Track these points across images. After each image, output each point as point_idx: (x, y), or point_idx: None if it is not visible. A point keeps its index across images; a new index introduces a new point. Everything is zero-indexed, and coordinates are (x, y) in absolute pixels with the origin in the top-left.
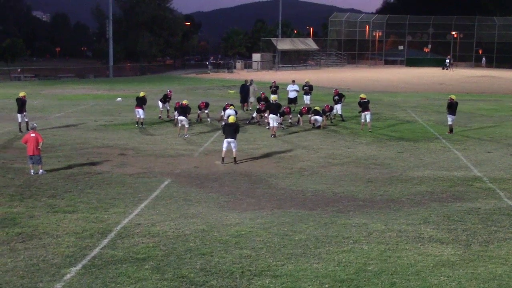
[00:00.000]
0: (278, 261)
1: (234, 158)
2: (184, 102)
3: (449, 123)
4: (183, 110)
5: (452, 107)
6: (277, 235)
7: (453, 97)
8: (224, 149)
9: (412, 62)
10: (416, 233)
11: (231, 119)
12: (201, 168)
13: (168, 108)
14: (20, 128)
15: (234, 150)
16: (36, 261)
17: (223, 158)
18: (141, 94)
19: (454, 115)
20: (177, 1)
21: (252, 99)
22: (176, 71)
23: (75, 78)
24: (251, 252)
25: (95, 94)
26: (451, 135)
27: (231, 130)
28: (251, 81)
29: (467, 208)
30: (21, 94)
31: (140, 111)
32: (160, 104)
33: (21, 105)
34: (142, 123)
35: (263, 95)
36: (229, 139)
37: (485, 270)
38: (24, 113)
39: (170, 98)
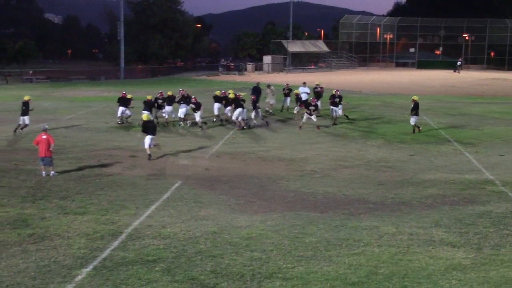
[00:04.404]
0: (288, 264)
1: (156, 145)
2: (169, 93)
3: (413, 123)
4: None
5: (415, 108)
6: (287, 237)
7: (415, 98)
8: (147, 146)
9: (423, 64)
10: (428, 236)
11: (146, 117)
12: (212, 170)
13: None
14: (16, 129)
15: (152, 146)
16: (47, 262)
17: (149, 155)
18: (148, 97)
19: (418, 115)
20: (188, 3)
21: (272, 101)
22: (187, 73)
23: (86, 80)
24: (261, 255)
25: (106, 96)
26: (419, 134)
27: (151, 127)
28: (269, 84)
29: (479, 212)
30: (26, 97)
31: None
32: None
33: (25, 108)
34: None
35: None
36: (152, 136)
37: (497, 274)
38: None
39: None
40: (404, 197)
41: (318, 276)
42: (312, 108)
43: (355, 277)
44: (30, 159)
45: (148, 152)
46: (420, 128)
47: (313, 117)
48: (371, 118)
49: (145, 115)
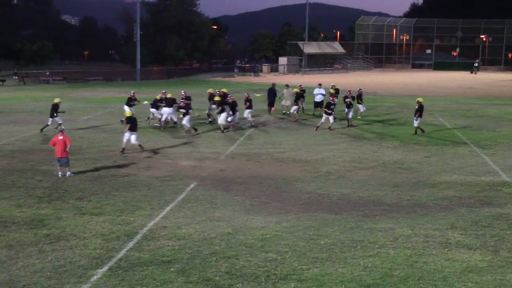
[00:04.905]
0: (303, 265)
1: (140, 145)
2: (169, 95)
3: (417, 125)
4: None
5: (420, 110)
6: (302, 239)
7: (420, 100)
8: (125, 141)
9: (440, 66)
10: (443, 238)
11: (129, 113)
12: (226, 171)
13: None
14: (42, 128)
15: (136, 142)
16: (63, 263)
17: (123, 149)
18: (158, 96)
19: (421, 117)
20: (204, 5)
21: (288, 102)
22: (202, 74)
23: (103, 81)
24: (276, 256)
25: (123, 97)
26: (435, 135)
27: (135, 124)
28: (287, 85)
29: (496, 214)
30: (56, 100)
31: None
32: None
33: (54, 109)
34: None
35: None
36: (133, 132)
37: None
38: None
39: (136, 100)
40: (419, 199)
41: (333, 278)
42: (332, 107)
43: (370, 279)
44: (46, 159)
45: (124, 147)
46: (424, 131)
47: (331, 118)
48: (386, 119)
49: (128, 111)
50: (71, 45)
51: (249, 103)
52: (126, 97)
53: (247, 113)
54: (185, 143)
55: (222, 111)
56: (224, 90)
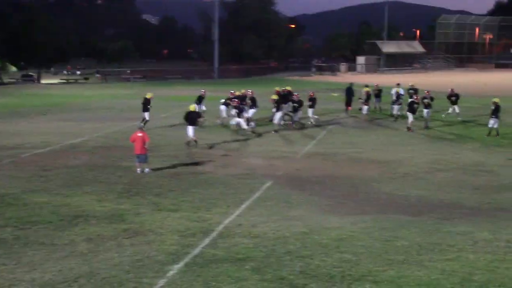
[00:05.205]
0: (379, 267)
1: (195, 140)
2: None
3: (496, 126)
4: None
5: (496, 111)
6: (378, 240)
7: (496, 100)
8: (190, 134)
9: None
10: None
11: (193, 108)
12: (303, 171)
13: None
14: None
15: (192, 136)
16: (141, 257)
17: (189, 142)
18: (192, 106)
19: (498, 118)
20: (282, 4)
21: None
22: (279, 73)
23: (181, 80)
24: (351, 257)
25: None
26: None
27: (195, 118)
28: (367, 85)
29: None
30: (148, 95)
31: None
32: (222, 107)
33: (146, 104)
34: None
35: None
36: (192, 126)
37: None
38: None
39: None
40: (501, 202)
41: (409, 281)
42: (416, 106)
43: (448, 283)
44: (126, 156)
45: (194, 139)
46: (498, 134)
47: (411, 117)
48: (467, 120)
49: (192, 106)
50: (151, 43)
51: (312, 102)
52: (203, 95)
53: (310, 112)
54: (262, 142)
55: (278, 110)
56: (288, 88)
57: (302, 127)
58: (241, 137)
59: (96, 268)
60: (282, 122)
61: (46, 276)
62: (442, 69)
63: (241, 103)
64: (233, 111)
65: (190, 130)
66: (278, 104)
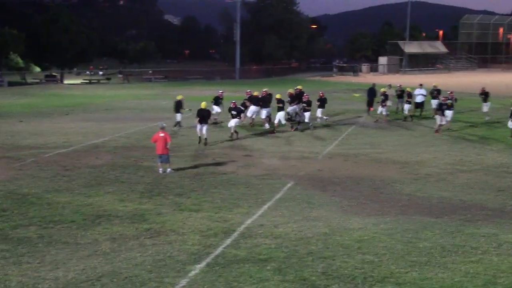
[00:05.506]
0: (401, 268)
1: (206, 139)
2: (255, 93)
3: None
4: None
5: None
6: (400, 241)
7: None
8: (203, 132)
9: None
10: None
11: (204, 105)
12: (324, 171)
13: (220, 110)
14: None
15: (205, 134)
16: (163, 257)
17: (200, 138)
18: (203, 103)
19: None
20: (303, 4)
21: (389, 102)
22: (301, 73)
23: (202, 80)
24: (373, 258)
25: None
26: None
27: (206, 116)
28: (390, 85)
29: None
30: (179, 97)
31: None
32: (214, 107)
33: (177, 106)
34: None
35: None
36: (204, 124)
37: None
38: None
39: (222, 99)
40: None
41: (433, 283)
42: (444, 108)
43: (472, 285)
44: (148, 156)
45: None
46: None
47: (439, 119)
48: (491, 121)
49: (203, 103)
50: (173, 44)
51: (321, 102)
52: (224, 95)
53: (319, 112)
54: (284, 143)
55: (280, 109)
56: (300, 87)
57: (307, 128)
58: (261, 137)
59: (118, 267)
60: (283, 122)
61: (70, 275)
62: (465, 69)
63: (257, 103)
64: (233, 112)
65: (203, 129)
66: (282, 104)
